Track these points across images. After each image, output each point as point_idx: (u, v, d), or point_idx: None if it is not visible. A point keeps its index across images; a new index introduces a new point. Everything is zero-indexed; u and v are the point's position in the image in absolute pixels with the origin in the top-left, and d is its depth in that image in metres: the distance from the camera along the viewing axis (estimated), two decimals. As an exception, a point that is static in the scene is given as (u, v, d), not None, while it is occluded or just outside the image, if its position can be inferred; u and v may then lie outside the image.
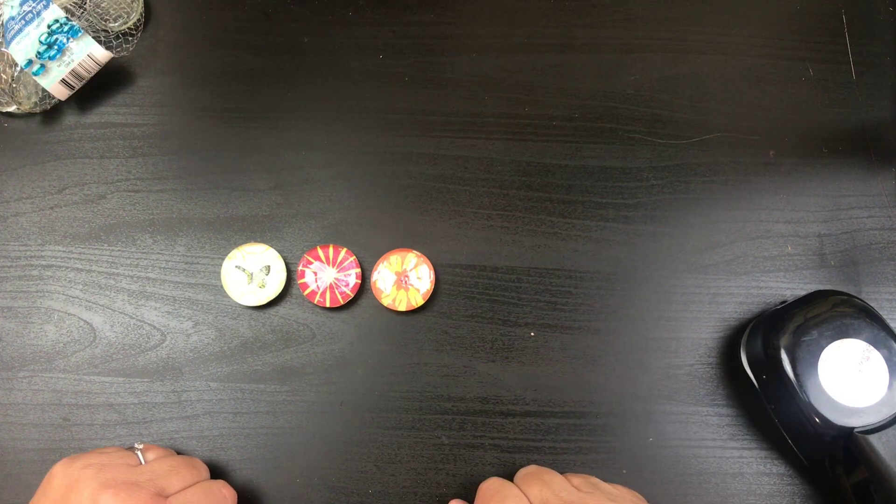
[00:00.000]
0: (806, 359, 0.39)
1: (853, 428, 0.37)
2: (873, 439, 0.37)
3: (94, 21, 0.47)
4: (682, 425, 0.43)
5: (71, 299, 0.44)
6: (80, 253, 0.45)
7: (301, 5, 0.49)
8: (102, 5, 0.47)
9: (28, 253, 0.45)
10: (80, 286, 0.45)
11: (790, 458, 0.43)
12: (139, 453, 0.39)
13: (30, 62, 0.43)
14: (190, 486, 0.37)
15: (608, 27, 0.49)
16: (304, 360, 0.44)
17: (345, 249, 0.44)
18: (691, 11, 0.50)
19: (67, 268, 0.45)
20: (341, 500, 0.42)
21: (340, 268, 0.44)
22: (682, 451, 0.43)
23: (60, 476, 0.35)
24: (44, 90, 0.45)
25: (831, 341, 0.39)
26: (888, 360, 0.38)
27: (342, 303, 0.43)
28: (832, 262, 0.46)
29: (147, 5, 0.48)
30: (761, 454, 0.43)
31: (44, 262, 0.45)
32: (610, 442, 0.43)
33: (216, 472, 0.42)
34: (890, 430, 0.37)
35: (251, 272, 0.44)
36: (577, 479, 0.38)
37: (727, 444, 0.43)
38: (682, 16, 0.50)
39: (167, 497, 0.35)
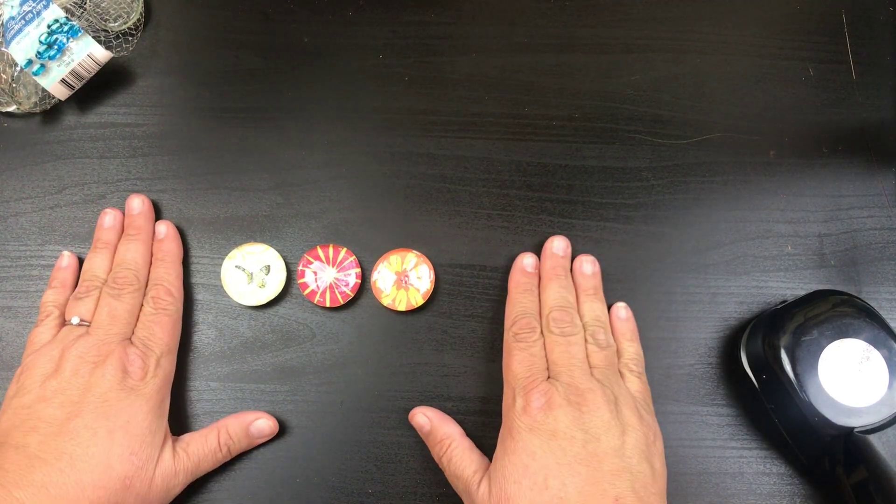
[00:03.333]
0: (806, 359, 0.39)
1: (853, 428, 0.37)
2: (873, 439, 0.37)
3: (94, 21, 0.47)
4: (682, 425, 0.43)
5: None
6: (80, 253, 0.45)
7: (301, 5, 0.49)
8: (102, 5, 0.47)
9: (28, 253, 0.45)
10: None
11: (790, 458, 0.43)
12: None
13: (30, 62, 0.43)
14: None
15: (608, 27, 0.49)
16: (304, 360, 0.44)
17: (345, 249, 0.44)
18: (691, 11, 0.50)
19: (67, 268, 0.45)
20: (341, 500, 0.42)
21: (340, 268, 0.44)
22: (682, 451, 0.43)
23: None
24: (44, 90, 0.45)
25: (831, 341, 0.39)
26: (888, 360, 0.38)
27: (342, 303, 0.43)
28: (832, 262, 0.46)
29: (147, 5, 0.48)
30: (761, 454, 0.43)
31: (44, 262, 0.45)
32: (610, 442, 0.43)
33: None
34: (890, 430, 0.37)
35: (251, 272, 0.44)
36: (599, 356, 0.40)
37: (727, 444, 0.43)
38: (682, 16, 0.50)
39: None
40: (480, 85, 0.48)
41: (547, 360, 0.39)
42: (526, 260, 0.43)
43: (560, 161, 0.47)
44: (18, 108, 0.46)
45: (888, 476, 0.36)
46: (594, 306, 0.42)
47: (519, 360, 0.39)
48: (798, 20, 0.50)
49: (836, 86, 0.49)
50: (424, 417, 0.41)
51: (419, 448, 0.43)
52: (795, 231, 0.46)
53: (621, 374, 0.40)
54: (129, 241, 0.43)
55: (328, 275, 0.44)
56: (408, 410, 0.43)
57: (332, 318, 0.44)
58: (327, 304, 0.43)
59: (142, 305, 0.41)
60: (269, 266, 0.44)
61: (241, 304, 0.44)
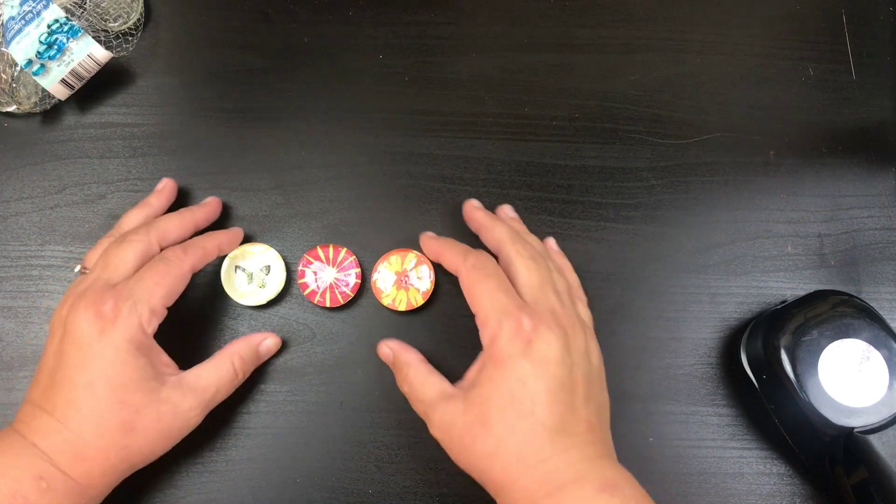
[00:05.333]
0: (806, 359, 0.39)
1: (853, 428, 0.37)
2: (873, 439, 0.37)
3: (94, 21, 0.47)
4: (682, 425, 0.43)
5: (71, 299, 0.44)
6: (80, 253, 0.45)
7: (301, 5, 0.49)
8: (102, 5, 0.47)
9: (28, 253, 0.45)
10: (80, 286, 0.44)
11: (790, 458, 0.43)
12: None
13: (30, 62, 0.43)
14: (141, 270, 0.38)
15: (608, 27, 0.49)
16: (304, 360, 0.44)
17: (345, 249, 0.44)
18: (691, 11, 0.50)
19: (67, 268, 0.45)
20: (341, 500, 0.42)
21: (340, 268, 0.44)
22: (682, 451, 0.43)
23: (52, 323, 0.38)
24: (44, 90, 0.45)
25: (831, 341, 0.39)
26: (888, 360, 0.38)
27: (342, 303, 0.43)
28: (832, 262, 0.46)
29: (147, 5, 0.48)
30: (761, 454, 0.43)
31: (44, 262, 0.45)
32: (610, 442, 0.43)
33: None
34: (890, 430, 0.37)
35: (251, 272, 0.44)
36: (561, 283, 0.39)
37: (727, 444, 0.43)
38: (682, 16, 0.50)
39: (114, 286, 0.37)
40: (480, 85, 0.48)
41: (520, 290, 0.38)
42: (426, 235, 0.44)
43: (560, 161, 0.47)
44: (18, 108, 0.46)
45: (888, 476, 0.36)
46: (533, 238, 0.42)
47: (490, 288, 0.37)
48: (798, 20, 0.50)
49: (836, 86, 0.49)
50: (388, 349, 0.42)
51: (419, 448, 0.43)
52: (795, 231, 0.46)
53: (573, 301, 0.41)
54: (177, 215, 0.41)
55: (328, 275, 0.44)
56: (408, 411, 0.43)
57: (332, 318, 0.44)
58: (327, 304, 0.43)
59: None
60: (269, 266, 0.44)
61: (241, 304, 0.44)
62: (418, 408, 0.39)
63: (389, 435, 0.43)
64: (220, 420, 0.43)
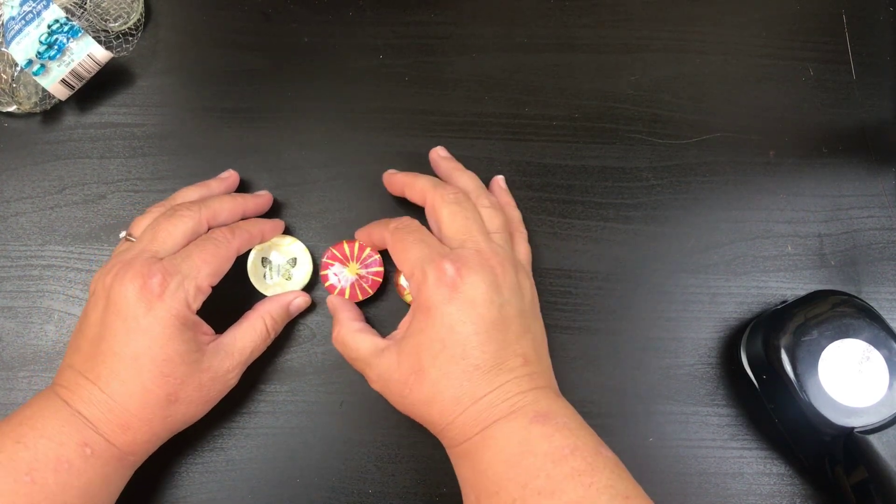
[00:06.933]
0: (806, 359, 0.39)
1: (853, 428, 0.37)
2: (873, 439, 0.37)
3: (94, 21, 0.47)
4: (682, 425, 0.43)
5: (71, 299, 0.44)
6: (80, 253, 0.45)
7: (301, 5, 0.49)
8: (102, 5, 0.47)
9: (28, 253, 0.45)
10: (81, 286, 0.45)
11: (790, 458, 0.43)
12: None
13: (30, 62, 0.43)
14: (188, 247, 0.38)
15: (608, 27, 0.49)
16: (304, 360, 0.44)
17: (369, 248, 0.44)
18: (691, 11, 0.50)
19: (67, 268, 0.45)
20: (341, 500, 0.42)
21: (364, 264, 0.43)
22: (682, 451, 0.43)
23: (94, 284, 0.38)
24: (44, 90, 0.45)
25: (831, 341, 0.39)
26: (888, 360, 0.38)
27: (371, 293, 0.43)
28: (832, 262, 0.46)
29: (147, 5, 0.48)
30: (761, 454, 0.43)
31: (44, 262, 0.45)
32: (610, 442, 0.43)
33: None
34: (890, 430, 0.37)
35: (277, 264, 0.44)
36: (496, 220, 0.39)
37: (727, 444, 0.43)
38: (682, 16, 0.50)
39: (161, 259, 0.37)
40: (480, 85, 0.48)
41: (446, 236, 0.38)
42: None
43: (560, 161, 0.47)
44: (18, 108, 0.46)
45: (888, 476, 0.36)
46: (467, 176, 0.42)
47: (411, 242, 0.37)
48: (798, 20, 0.50)
49: (836, 86, 0.49)
50: (330, 304, 0.42)
51: (419, 448, 0.43)
52: (795, 231, 0.46)
53: (511, 236, 0.41)
54: (230, 199, 0.42)
55: (350, 271, 0.43)
56: (408, 410, 0.43)
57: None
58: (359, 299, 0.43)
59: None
60: (295, 259, 0.44)
61: (266, 296, 0.43)
62: (355, 365, 0.39)
63: (389, 435, 0.43)
64: (220, 420, 0.43)
